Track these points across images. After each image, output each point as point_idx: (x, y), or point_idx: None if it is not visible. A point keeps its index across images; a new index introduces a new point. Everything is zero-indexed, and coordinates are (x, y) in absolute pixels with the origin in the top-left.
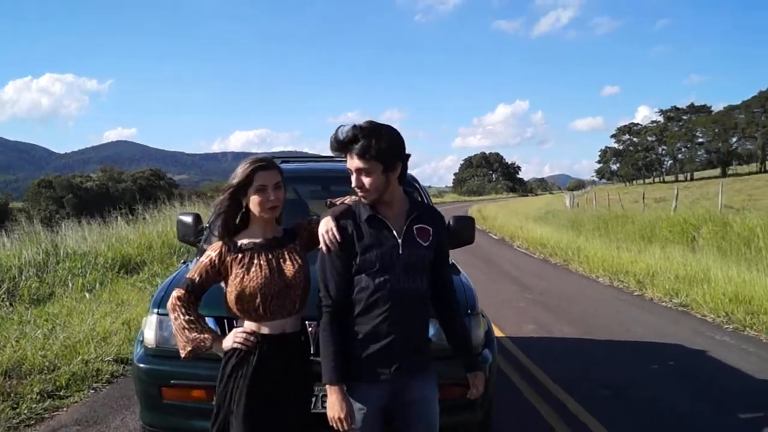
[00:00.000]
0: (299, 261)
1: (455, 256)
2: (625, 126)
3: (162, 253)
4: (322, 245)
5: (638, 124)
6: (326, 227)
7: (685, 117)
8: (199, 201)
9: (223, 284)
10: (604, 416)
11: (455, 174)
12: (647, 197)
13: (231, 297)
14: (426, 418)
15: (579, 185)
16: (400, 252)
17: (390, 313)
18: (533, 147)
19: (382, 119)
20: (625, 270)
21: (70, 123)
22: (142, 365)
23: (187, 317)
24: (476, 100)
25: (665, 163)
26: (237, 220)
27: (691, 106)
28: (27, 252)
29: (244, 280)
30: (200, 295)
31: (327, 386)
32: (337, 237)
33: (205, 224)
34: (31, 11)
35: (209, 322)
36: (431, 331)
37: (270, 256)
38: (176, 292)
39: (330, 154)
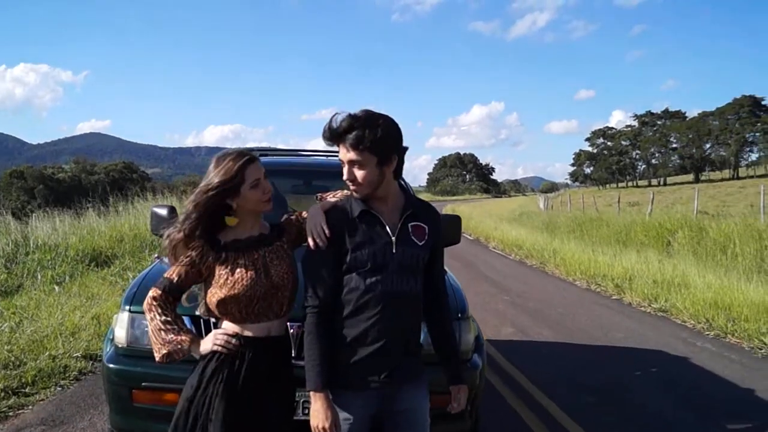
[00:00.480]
0: (288, 260)
1: None
2: (599, 130)
3: (133, 247)
4: (309, 241)
5: (613, 128)
6: (314, 221)
7: (659, 122)
8: (172, 195)
9: (203, 285)
10: (589, 423)
11: (429, 173)
12: (621, 201)
13: (213, 299)
14: (416, 428)
15: (552, 188)
16: (394, 251)
17: (381, 317)
18: (507, 148)
19: (338, 114)
20: (602, 273)
21: (44, 114)
22: (111, 365)
23: (163, 317)
24: (451, 100)
25: (639, 167)
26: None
27: (666, 111)
28: None
29: (228, 281)
30: (179, 296)
31: (311, 393)
32: (326, 232)
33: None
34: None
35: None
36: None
37: (256, 255)
38: (152, 292)
39: (304, 147)
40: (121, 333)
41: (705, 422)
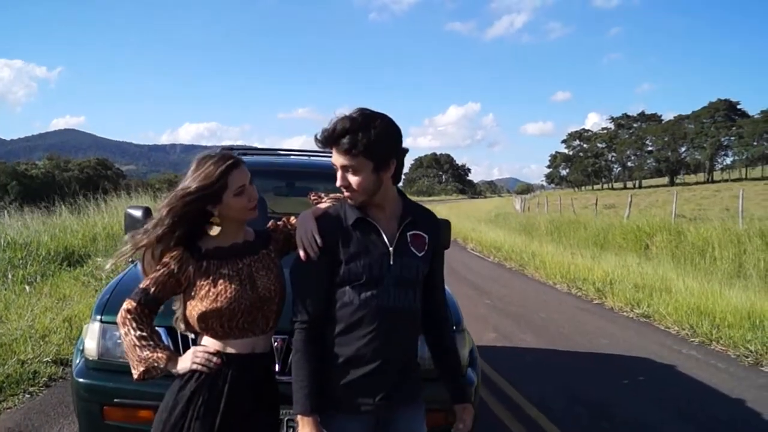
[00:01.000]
0: (275, 270)
1: None
2: (575, 132)
3: (107, 246)
4: (300, 251)
5: (589, 130)
6: (305, 229)
7: (635, 125)
8: (146, 193)
9: (182, 296)
10: None
11: (405, 174)
12: (598, 203)
13: (193, 313)
14: None
15: (528, 189)
16: (391, 262)
17: (376, 334)
18: (483, 149)
19: (333, 115)
20: (582, 277)
21: (18, 109)
22: (81, 380)
23: (138, 333)
24: (428, 100)
25: (614, 170)
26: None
27: (642, 114)
28: None
29: (211, 293)
30: (155, 309)
31: (299, 417)
32: (318, 241)
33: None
34: None
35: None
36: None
37: (240, 265)
38: (127, 304)
39: (280, 146)
40: (91, 344)
41: None
